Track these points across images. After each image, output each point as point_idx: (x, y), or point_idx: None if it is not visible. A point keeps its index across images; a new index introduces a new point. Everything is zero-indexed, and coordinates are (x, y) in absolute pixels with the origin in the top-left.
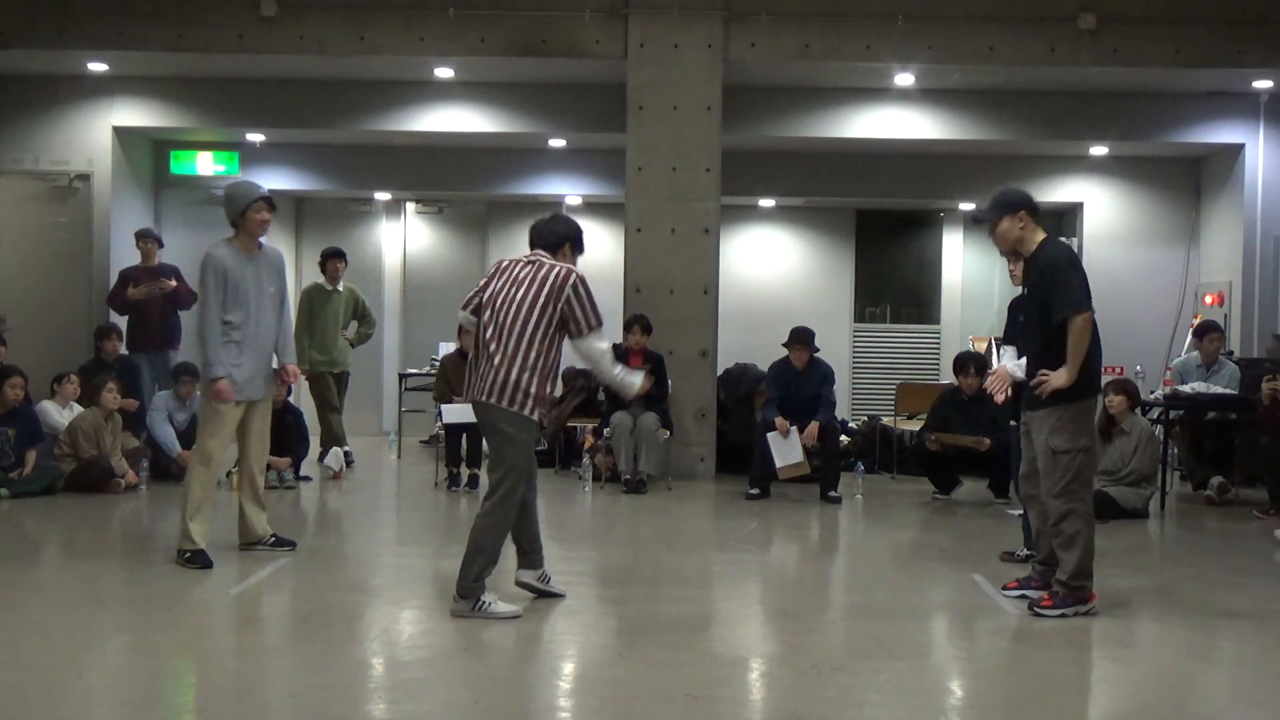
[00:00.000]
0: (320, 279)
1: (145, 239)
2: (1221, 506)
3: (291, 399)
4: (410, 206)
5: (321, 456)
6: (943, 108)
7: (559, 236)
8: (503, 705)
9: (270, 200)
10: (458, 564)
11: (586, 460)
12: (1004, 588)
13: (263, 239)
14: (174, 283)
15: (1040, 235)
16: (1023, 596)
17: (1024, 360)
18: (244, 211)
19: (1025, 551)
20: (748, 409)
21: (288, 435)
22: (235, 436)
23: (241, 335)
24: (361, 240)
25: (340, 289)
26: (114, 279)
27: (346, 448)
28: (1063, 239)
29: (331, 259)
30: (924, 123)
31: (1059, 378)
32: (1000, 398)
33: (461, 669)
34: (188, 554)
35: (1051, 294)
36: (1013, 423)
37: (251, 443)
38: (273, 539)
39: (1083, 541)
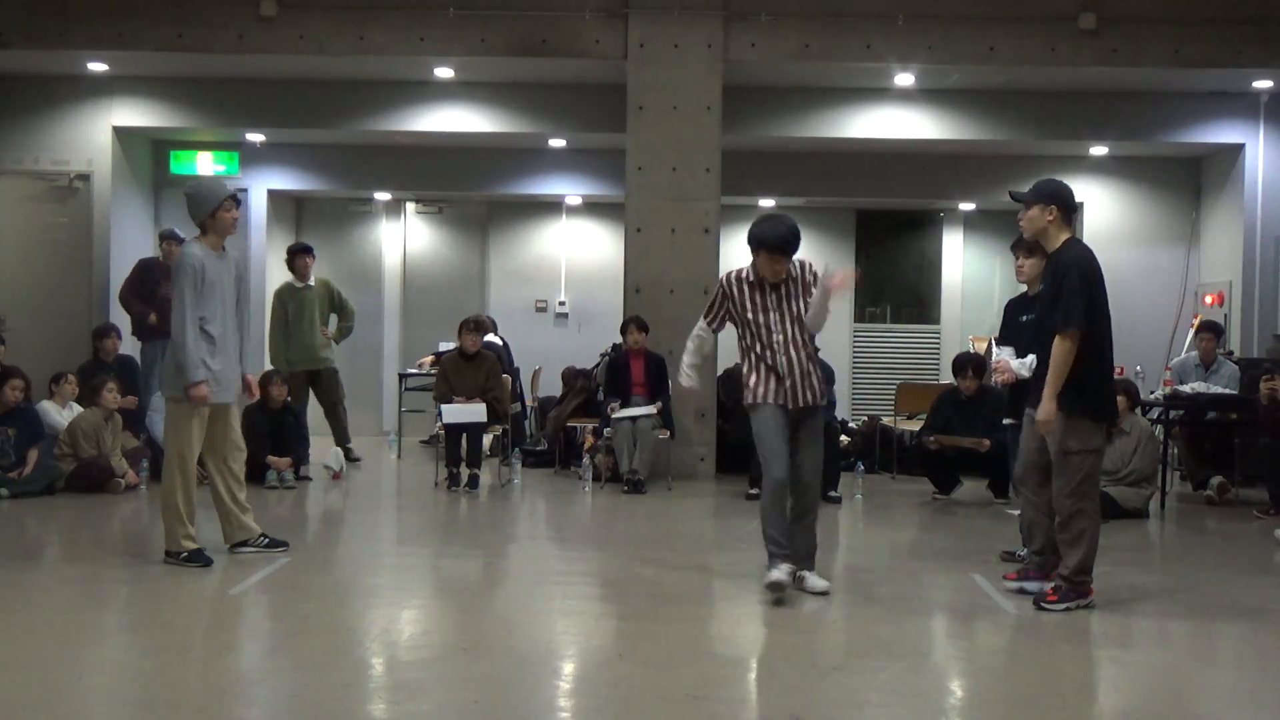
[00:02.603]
0: (290, 278)
1: (168, 240)
2: (1221, 506)
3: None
4: (410, 206)
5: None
6: (943, 108)
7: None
8: (503, 705)
9: (238, 198)
10: (458, 564)
11: (586, 460)
12: (1004, 578)
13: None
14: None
15: (1065, 235)
16: (1022, 590)
17: (1030, 359)
18: (215, 211)
19: (1025, 551)
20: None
21: (287, 435)
22: (205, 440)
23: (219, 336)
24: (361, 240)
25: (312, 284)
26: (114, 279)
27: (330, 450)
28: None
29: (299, 255)
30: (924, 123)
31: (1044, 411)
32: (999, 380)
33: (461, 669)
34: (184, 555)
35: (1062, 300)
36: (1008, 421)
37: (227, 446)
38: (264, 539)
39: (1088, 539)
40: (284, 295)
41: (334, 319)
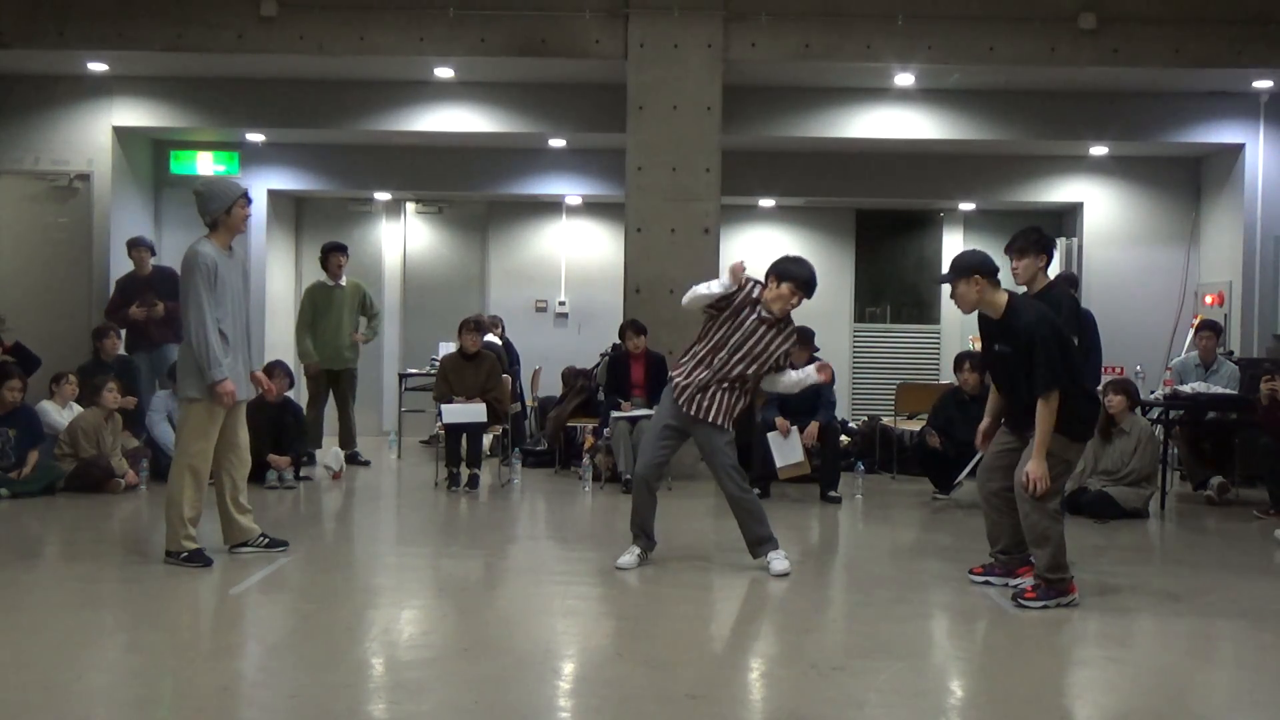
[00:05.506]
0: (322, 276)
1: (137, 248)
2: (1221, 506)
3: (292, 395)
4: (410, 206)
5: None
6: (943, 108)
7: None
8: (503, 705)
9: (249, 196)
10: (458, 564)
11: (586, 460)
12: (970, 572)
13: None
14: (161, 306)
15: (1002, 296)
16: (987, 583)
17: None
18: (230, 207)
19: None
20: (748, 409)
21: (287, 435)
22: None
23: (232, 335)
24: (361, 240)
25: (344, 284)
26: (114, 280)
27: (330, 449)
28: (1059, 238)
29: (333, 253)
30: (924, 123)
31: (1036, 469)
32: None
33: (461, 669)
34: (184, 555)
35: (1036, 367)
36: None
37: (235, 445)
38: (263, 539)
39: (1053, 536)
40: (314, 294)
41: (362, 321)
